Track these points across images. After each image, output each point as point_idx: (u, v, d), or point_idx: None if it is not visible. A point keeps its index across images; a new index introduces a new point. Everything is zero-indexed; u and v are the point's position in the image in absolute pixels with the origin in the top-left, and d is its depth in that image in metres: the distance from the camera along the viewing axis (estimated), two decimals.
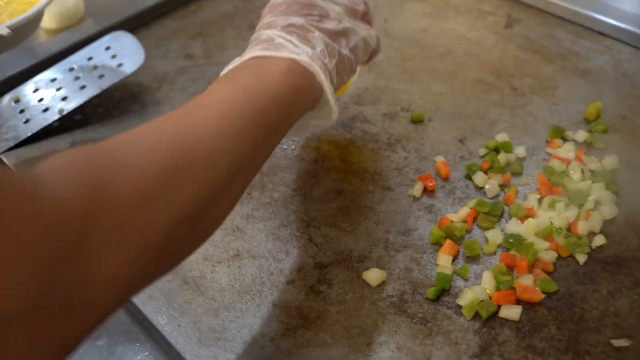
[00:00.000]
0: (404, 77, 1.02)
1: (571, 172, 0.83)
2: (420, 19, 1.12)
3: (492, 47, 1.05)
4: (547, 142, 0.90)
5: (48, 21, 1.15)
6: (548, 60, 1.02)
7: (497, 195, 0.83)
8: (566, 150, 0.87)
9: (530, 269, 0.74)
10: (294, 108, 0.64)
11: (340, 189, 0.87)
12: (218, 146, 0.54)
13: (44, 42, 1.13)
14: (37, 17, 0.94)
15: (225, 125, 0.55)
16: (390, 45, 1.08)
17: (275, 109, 0.60)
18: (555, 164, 0.84)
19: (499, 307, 0.70)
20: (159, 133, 0.52)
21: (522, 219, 0.79)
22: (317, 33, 0.68)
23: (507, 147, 0.87)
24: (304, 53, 0.66)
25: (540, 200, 0.81)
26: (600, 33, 1.06)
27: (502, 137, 0.89)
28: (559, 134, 0.88)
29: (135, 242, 0.45)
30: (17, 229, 0.37)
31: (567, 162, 0.85)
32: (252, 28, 1.14)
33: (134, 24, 1.17)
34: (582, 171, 0.84)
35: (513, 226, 0.78)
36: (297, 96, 0.64)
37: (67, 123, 1.01)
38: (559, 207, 0.79)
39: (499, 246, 0.77)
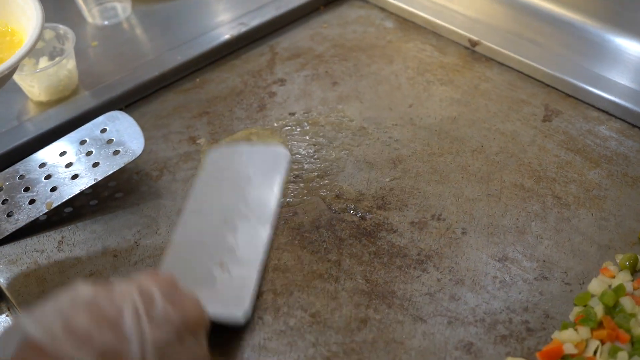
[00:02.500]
0: (433, 177, 0.92)
1: (639, 313, 0.73)
2: (449, 105, 1.02)
3: (529, 144, 0.95)
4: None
5: (38, 94, 1.04)
6: (593, 164, 0.92)
7: None
8: (622, 280, 0.77)
9: None
10: None
11: (365, 316, 0.76)
12: None
13: (32, 117, 1.02)
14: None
15: None
16: (417, 137, 0.98)
17: None
18: (627, 304, 0.73)
19: None
20: None
21: None
22: None
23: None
24: None
25: (600, 348, 0.70)
26: None
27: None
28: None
29: None
30: None
31: (639, 301, 0.74)
32: (262, 108, 1.04)
33: (133, 98, 1.07)
34: None
35: None
36: None
37: (55, 218, 0.90)
38: (621, 357, 0.69)
39: None
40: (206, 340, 0.55)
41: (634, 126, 0.97)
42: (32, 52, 0.99)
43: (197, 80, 1.11)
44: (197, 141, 0.99)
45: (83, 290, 0.51)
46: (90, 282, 0.53)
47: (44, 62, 1.06)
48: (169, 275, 0.56)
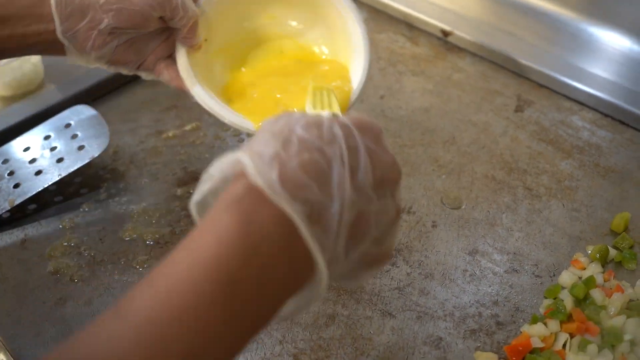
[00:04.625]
0: (403, 169, 0.89)
1: (610, 305, 0.72)
2: (421, 96, 1.01)
3: (501, 135, 0.94)
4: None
5: (2, 88, 1.02)
6: (565, 154, 0.91)
7: None
8: (593, 272, 0.76)
9: None
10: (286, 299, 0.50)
11: (333, 312, 0.75)
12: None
13: None
14: None
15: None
16: (388, 128, 0.96)
17: (275, 306, 0.49)
18: (597, 296, 0.72)
19: None
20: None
21: None
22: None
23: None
24: (331, 250, 0.49)
25: (570, 341, 0.69)
26: (621, 122, 0.95)
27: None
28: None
29: None
30: None
31: (610, 293, 0.73)
32: None
33: (100, 92, 1.04)
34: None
35: None
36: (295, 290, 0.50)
37: (18, 215, 0.88)
38: (591, 350, 0.68)
39: None
40: (399, 196, 0.55)
41: (607, 116, 0.96)
42: None
43: None
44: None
45: (289, 122, 0.52)
46: (300, 112, 0.53)
47: None
48: (374, 122, 0.55)
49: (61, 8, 0.72)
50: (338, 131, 0.51)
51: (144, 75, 0.82)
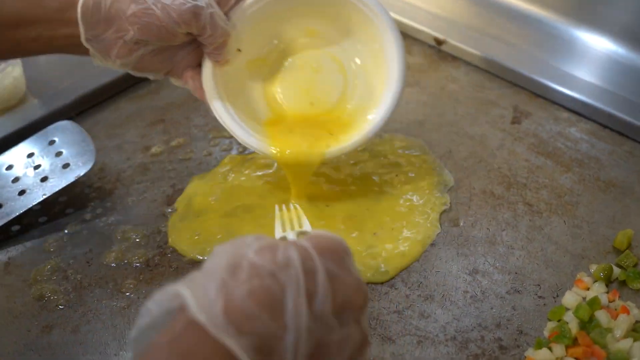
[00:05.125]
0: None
1: (616, 327, 0.70)
2: (416, 108, 0.99)
3: (498, 147, 0.92)
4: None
5: None
6: (564, 168, 0.89)
7: None
8: (597, 292, 0.74)
9: None
10: None
11: None
12: None
13: None
14: None
15: None
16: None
17: None
18: (602, 318, 0.70)
19: None
20: None
21: None
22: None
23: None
24: None
25: None
26: (620, 133, 0.93)
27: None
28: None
29: None
30: None
31: (615, 314, 0.71)
32: None
33: (84, 106, 1.01)
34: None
35: None
36: None
37: (1, 237, 0.85)
38: None
39: None
40: (366, 322, 0.51)
41: (606, 127, 0.94)
42: None
43: (152, 85, 1.06)
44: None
45: (243, 244, 0.48)
46: (253, 236, 0.49)
47: None
48: (337, 242, 0.50)
49: (87, 16, 0.72)
50: (294, 254, 0.47)
51: (173, 80, 0.81)
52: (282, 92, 0.83)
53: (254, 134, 0.78)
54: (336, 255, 0.50)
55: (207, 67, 0.77)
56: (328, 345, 0.47)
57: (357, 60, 0.83)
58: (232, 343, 0.42)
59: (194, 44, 0.77)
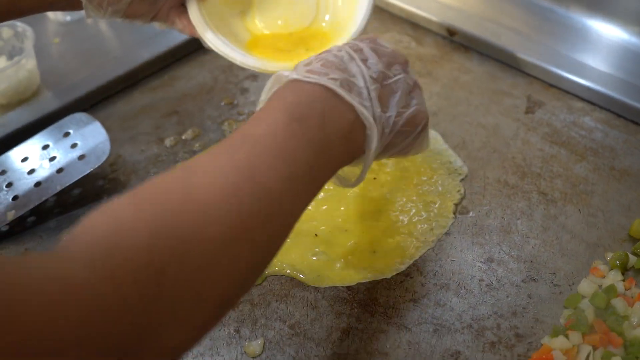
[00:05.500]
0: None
1: (632, 315, 0.70)
2: (428, 100, 0.98)
3: (512, 137, 0.92)
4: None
5: None
6: (578, 157, 0.89)
7: None
8: (613, 280, 0.74)
9: None
10: (341, 166, 0.64)
11: (347, 326, 0.72)
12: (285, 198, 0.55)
13: None
14: None
15: (292, 180, 0.55)
16: None
17: (330, 169, 0.61)
18: (619, 305, 0.70)
19: None
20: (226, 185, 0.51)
21: None
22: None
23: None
24: (371, 110, 0.62)
25: (593, 353, 0.67)
26: (635, 122, 0.93)
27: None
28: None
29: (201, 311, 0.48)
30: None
31: (632, 302, 0.71)
32: (234, 107, 1.00)
33: (98, 98, 1.01)
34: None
35: None
36: (349, 159, 0.64)
37: (18, 228, 0.85)
38: None
39: None
40: (412, 72, 0.69)
41: (620, 116, 0.94)
42: None
43: (166, 77, 1.06)
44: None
45: (309, 57, 0.65)
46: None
47: (2, 62, 1.00)
48: (372, 35, 0.69)
49: None
50: (343, 46, 0.66)
51: (157, 25, 0.84)
52: (260, 19, 0.85)
53: (249, 56, 0.80)
54: (371, 40, 0.68)
55: (192, 2, 0.80)
56: (388, 85, 0.65)
57: None
58: (322, 80, 0.60)
59: None
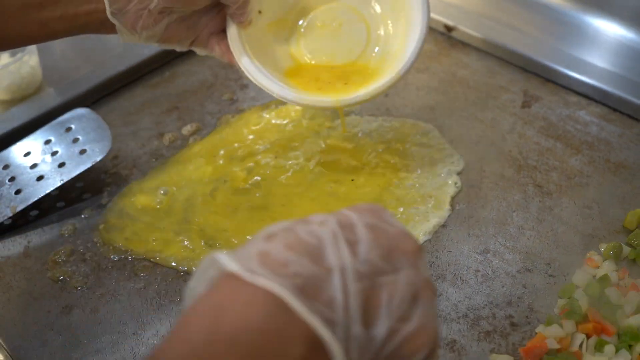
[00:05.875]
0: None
1: (626, 304, 0.71)
2: (426, 94, 1.00)
3: (509, 131, 0.93)
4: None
5: (0, 92, 1.00)
6: (574, 150, 0.90)
7: None
8: (607, 270, 0.75)
9: None
10: None
11: None
12: None
13: None
14: None
15: None
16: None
17: None
18: (613, 294, 0.71)
19: None
20: None
21: None
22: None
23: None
24: (342, 327, 0.43)
25: (586, 341, 0.68)
26: (630, 117, 0.94)
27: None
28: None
29: None
30: None
31: (625, 291, 0.72)
32: (234, 102, 1.01)
33: (100, 94, 1.03)
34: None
35: None
36: None
37: (21, 221, 0.86)
38: (608, 350, 0.67)
39: None
40: (425, 268, 0.48)
41: (615, 110, 0.95)
42: None
43: (167, 74, 1.07)
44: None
45: (279, 224, 0.47)
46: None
47: (5, 59, 1.02)
48: (375, 206, 0.50)
49: None
50: (329, 216, 0.47)
51: (197, 50, 0.81)
52: (306, 49, 0.84)
53: (288, 88, 0.78)
54: (373, 211, 0.49)
55: (232, 29, 0.78)
56: (382, 286, 0.45)
57: (377, 8, 0.84)
58: (269, 284, 0.41)
59: (215, 9, 0.78)
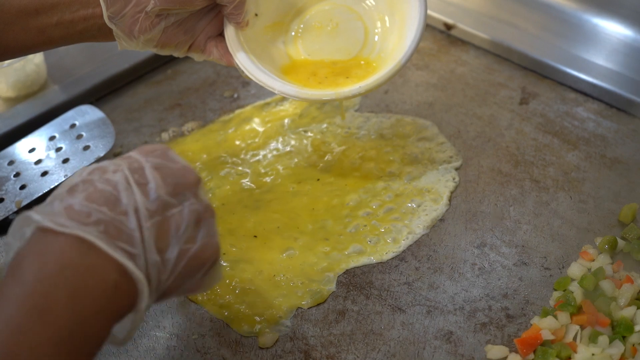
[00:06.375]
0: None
1: (620, 296, 0.72)
2: (425, 91, 1.01)
3: (506, 127, 0.94)
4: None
5: (5, 90, 1.02)
6: (571, 146, 0.91)
7: None
8: (602, 263, 0.76)
9: None
10: (105, 333, 0.53)
11: (343, 308, 0.75)
12: None
13: (0, 114, 1.00)
14: None
15: None
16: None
17: (91, 344, 0.51)
18: (607, 287, 0.72)
19: None
20: None
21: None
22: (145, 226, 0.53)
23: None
24: (142, 257, 0.53)
25: (580, 333, 0.69)
26: (626, 112, 0.95)
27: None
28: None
29: None
30: None
31: (620, 284, 0.73)
32: (235, 100, 1.02)
33: (103, 91, 1.04)
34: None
35: None
36: (116, 319, 0.53)
37: None
38: (602, 341, 0.68)
39: None
40: (204, 195, 0.58)
41: (612, 107, 0.96)
42: None
43: (169, 71, 1.08)
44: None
45: (77, 174, 0.55)
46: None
47: None
48: (159, 146, 0.59)
49: None
50: (121, 162, 0.56)
51: (196, 57, 0.81)
52: (305, 50, 0.84)
53: (288, 84, 0.79)
54: (159, 151, 0.57)
55: (230, 29, 0.79)
56: (171, 217, 0.55)
57: (372, 2, 0.84)
58: (78, 232, 0.50)
59: (212, 12, 0.79)
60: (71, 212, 0.51)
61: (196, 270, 0.57)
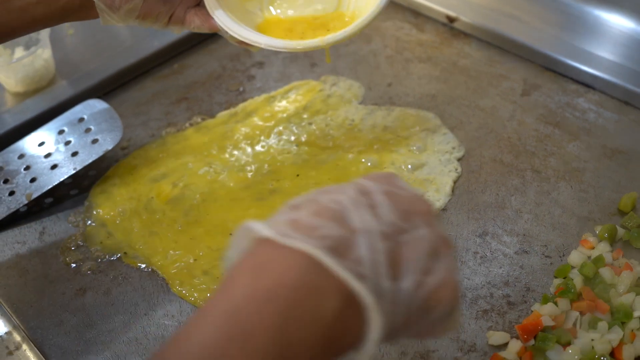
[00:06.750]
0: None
1: (619, 283, 0.73)
2: (428, 83, 1.02)
3: (508, 119, 0.95)
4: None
5: (15, 85, 1.04)
6: (572, 136, 0.92)
7: None
8: (601, 251, 0.77)
9: None
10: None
11: None
12: None
13: (10, 108, 1.02)
14: None
15: None
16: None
17: None
18: (606, 274, 0.74)
19: None
20: None
21: (565, 345, 0.69)
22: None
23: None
24: (373, 281, 0.46)
25: (580, 319, 0.71)
26: (627, 103, 0.96)
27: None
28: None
29: None
30: None
31: (619, 271, 0.74)
32: (241, 93, 1.04)
33: (111, 86, 1.06)
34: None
35: (556, 355, 0.68)
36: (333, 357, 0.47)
37: (36, 208, 0.90)
38: (601, 327, 0.69)
39: None
40: (441, 226, 0.52)
41: (613, 97, 0.97)
42: (7, 43, 0.99)
43: (176, 66, 1.10)
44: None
45: (300, 197, 0.51)
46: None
47: (19, 52, 1.05)
48: (386, 173, 0.54)
49: None
50: (348, 186, 0.51)
51: (175, 29, 0.81)
52: (281, 12, 0.85)
53: (273, 38, 0.79)
54: (387, 178, 0.52)
55: None
56: (404, 244, 0.48)
57: None
58: (303, 245, 0.45)
59: None
60: (296, 224, 0.47)
61: (432, 307, 0.48)
